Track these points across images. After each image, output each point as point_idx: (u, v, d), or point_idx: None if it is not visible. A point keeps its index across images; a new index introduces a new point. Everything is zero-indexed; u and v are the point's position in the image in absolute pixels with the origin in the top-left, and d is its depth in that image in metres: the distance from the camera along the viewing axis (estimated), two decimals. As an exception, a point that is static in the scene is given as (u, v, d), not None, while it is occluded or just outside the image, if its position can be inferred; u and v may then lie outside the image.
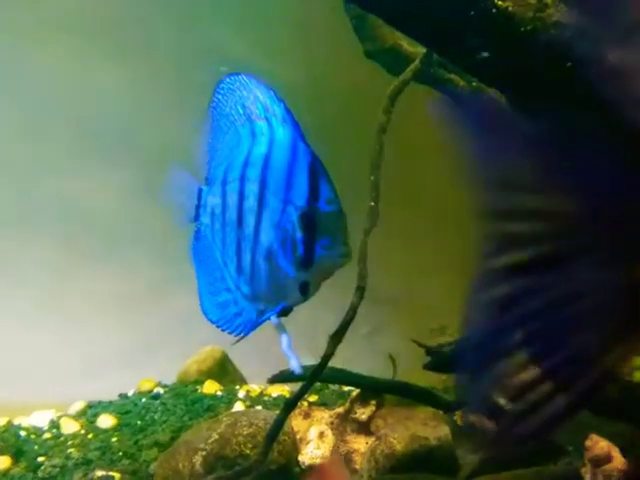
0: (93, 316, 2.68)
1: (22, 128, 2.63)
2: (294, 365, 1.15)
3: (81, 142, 2.68)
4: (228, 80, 1.11)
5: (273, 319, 1.08)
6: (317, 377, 1.67)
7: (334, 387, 2.64)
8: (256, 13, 2.77)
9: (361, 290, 1.74)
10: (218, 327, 1.12)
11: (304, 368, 1.93)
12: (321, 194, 1.00)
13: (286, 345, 1.11)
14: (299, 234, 0.98)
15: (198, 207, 1.13)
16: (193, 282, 2.27)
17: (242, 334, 1.08)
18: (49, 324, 2.63)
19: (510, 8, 1.21)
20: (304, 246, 0.98)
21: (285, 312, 1.08)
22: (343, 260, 1.00)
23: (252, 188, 1.04)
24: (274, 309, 1.06)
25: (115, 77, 2.69)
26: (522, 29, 1.21)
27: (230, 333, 1.10)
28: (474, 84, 2.06)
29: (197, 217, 1.14)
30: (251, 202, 1.04)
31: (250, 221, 1.04)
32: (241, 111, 1.10)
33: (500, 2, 1.21)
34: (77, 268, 2.69)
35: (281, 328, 1.10)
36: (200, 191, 1.14)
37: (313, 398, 2.48)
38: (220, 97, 1.12)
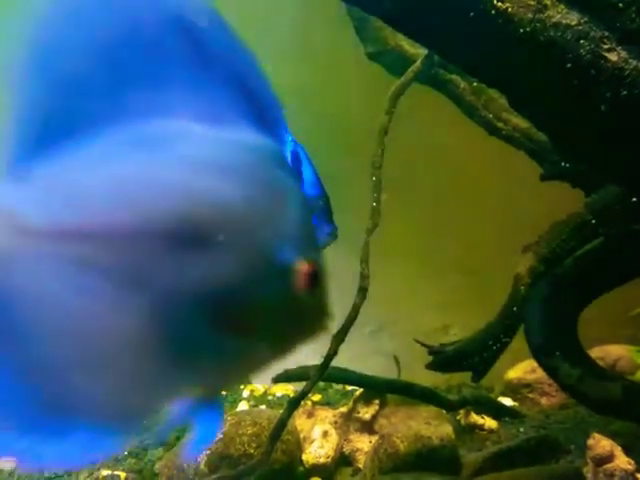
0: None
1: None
2: None
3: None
4: None
5: None
6: (320, 376, 1.69)
7: (338, 387, 2.65)
8: (256, 12, 2.79)
9: (363, 290, 1.75)
10: None
11: (307, 367, 1.95)
12: (305, 178, 1.03)
13: None
14: None
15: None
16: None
17: None
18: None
19: (509, 9, 1.21)
20: None
21: None
22: (330, 238, 1.02)
23: None
24: None
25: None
26: (521, 30, 1.22)
27: None
28: (474, 85, 2.07)
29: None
30: None
31: None
32: None
33: (499, 3, 1.21)
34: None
35: None
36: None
37: (317, 397, 2.49)
38: None
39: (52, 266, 0.52)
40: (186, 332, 0.54)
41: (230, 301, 0.54)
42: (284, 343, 0.62)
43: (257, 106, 0.57)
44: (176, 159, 0.53)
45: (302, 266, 0.57)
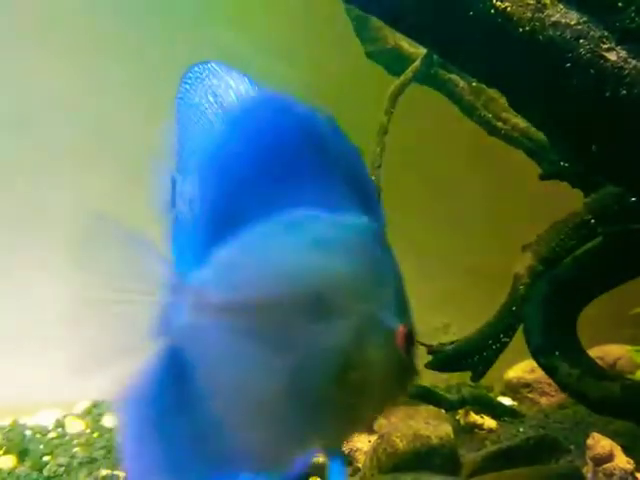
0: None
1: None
2: None
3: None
4: (196, 69, 1.12)
5: None
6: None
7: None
8: (258, 11, 2.79)
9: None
10: None
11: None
12: None
13: None
14: None
15: (173, 194, 1.15)
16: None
17: None
18: (53, 323, 2.65)
19: (509, 9, 1.22)
20: None
21: None
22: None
23: None
24: None
25: (112, 76, 2.70)
26: (521, 30, 1.22)
27: None
28: (474, 84, 2.07)
29: (173, 204, 1.16)
30: None
31: None
32: (212, 99, 1.11)
33: (499, 3, 1.22)
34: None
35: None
36: (174, 180, 1.16)
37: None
38: (188, 87, 1.13)
39: (224, 335, 0.63)
40: (315, 389, 0.63)
41: (348, 361, 0.64)
42: (389, 398, 0.71)
43: (363, 192, 0.70)
44: (311, 241, 0.67)
45: (402, 329, 0.67)
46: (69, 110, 2.66)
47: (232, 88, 1.10)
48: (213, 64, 1.11)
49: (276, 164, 0.69)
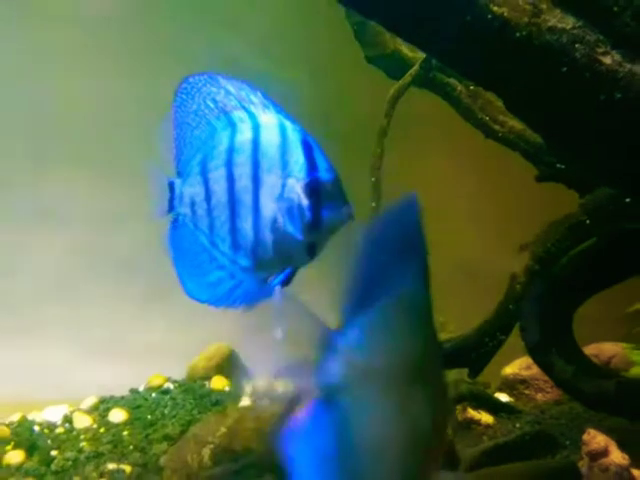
0: (105, 314, 2.73)
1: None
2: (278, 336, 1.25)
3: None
4: (191, 80, 1.18)
5: (276, 293, 1.15)
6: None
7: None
8: (258, 15, 2.81)
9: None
10: (209, 305, 1.18)
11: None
12: (319, 165, 1.10)
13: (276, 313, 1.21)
14: (305, 202, 1.09)
15: (172, 199, 1.19)
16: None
17: (240, 304, 1.17)
18: (61, 321, 2.67)
19: (505, 14, 1.24)
20: (311, 212, 1.09)
21: (287, 281, 1.16)
22: (349, 218, 1.11)
23: (243, 171, 1.12)
24: (283, 274, 1.14)
25: (117, 81, 2.73)
26: (518, 34, 1.25)
27: (226, 307, 1.18)
28: (471, 88, 2.11)
29: (171, 209, 1.20)
30: (244, 183, 1.12)
31: (246, 200, 1.12)
32: (212, 105, 1.17)
33: (495, 8, 1.24)
34: (85, 268, 2.74)
35: (280, 312, 1.19)
36: (172, 184, 1.20)
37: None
38: (184, 96, 1.19)
39: (368, 392, 0.75)
40: (419, 440, 0.77)
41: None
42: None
43: (424, 267, 0.86)
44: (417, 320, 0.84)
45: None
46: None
47: (232, 94, 1.15)
48: (207, 75, 1.16)
49: (401, 251, 0.87)
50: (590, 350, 2.35)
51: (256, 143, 1.12)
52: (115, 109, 2.71)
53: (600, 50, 1.25)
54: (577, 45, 1.25)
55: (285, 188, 1.10)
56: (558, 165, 1.98)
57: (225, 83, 1.17)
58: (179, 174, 1.21)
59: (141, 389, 2.60)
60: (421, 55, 2.13)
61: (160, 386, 2.57)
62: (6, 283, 2.65)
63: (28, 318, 2.63)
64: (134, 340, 2.73)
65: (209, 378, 2.62)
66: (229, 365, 2.71)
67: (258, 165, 1.12)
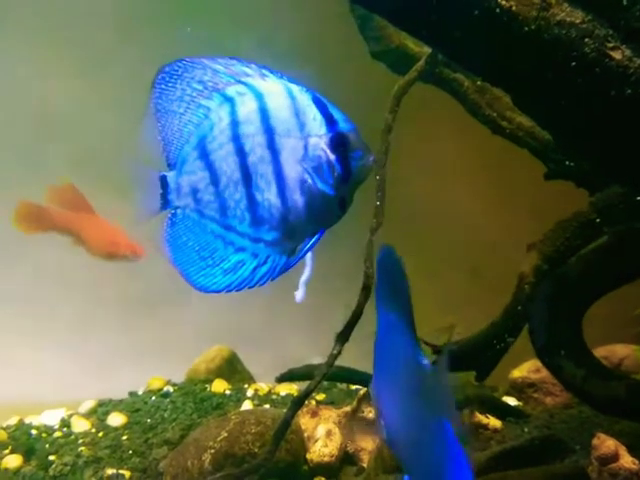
0: (103, 316, 2.71)
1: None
2: (299, 297, 1.30)
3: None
4: (167, 69, 1.13)
5: (308, 259, 1.16)
6: (324, 376, 1.68)
7: (342, 386, 2.65)
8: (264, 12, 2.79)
9: (367, 289, 1.75)
10: (231, 291, 1.14)
11: (312, 367, 1.95)
12: (337, 119, 1.09)
13: (306, 277, 1.24)
14: (332, 156, 1.07)
15: (166, 194, 1.15)
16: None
17: (269, 280, 1.13)
18: (60, 324, 2.66)
19: (514, 8, 1.21)
20: (341, 165, 1.08)
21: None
22: (373, 164, 1.11)
23: (256, 141, 1.09)
24: (314, 238, 1.12)
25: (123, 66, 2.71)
26: (526, 28, 1.21)
27: (251, 288, 1.14)
28: (479, 83, 2.07)
29: (166, 205, 1.16)
30: (259, 153, 1.09)
31: (265, 170, 1.09)
32: (200, 87, 1.13)
33: (504, 2, 1.21)
34: (85, 270, 2.72)
35: (309, 259, 1.21)
36: (164, 178, 1.15)
37: (321, 397, 2.50)
38: (164, 85, 1.14)
39: None
40: None
41: None
42: None
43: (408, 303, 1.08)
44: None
45: None
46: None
47: (221, 72, 1.11)
48: (186, 60, 1.12)
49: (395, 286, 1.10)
50: (601, 352, 2.31)
51: (264, 110, 1.09)
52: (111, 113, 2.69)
53: (610, 45, 1.22)
54: (586, 39, 1.21)
55: (308, 147, 1.08)
56: (567, 162, 1.94)
57: (210, 63, 1.13)
58: (171, 166, 1.17)
59: (140, 392, 2.58)
60: (427, 50, 2.09)
61: (160, 389, 2.55)
62: (6, 281, 2.64)
63: (26, 320, 2.61)
64: (133, 342, 2.72)
65: (210, 381, 2.60)
66: (230, 368, 2.69)
67: (272, 132, 1.09)
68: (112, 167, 1.17)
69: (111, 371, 2.61)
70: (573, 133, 1.37)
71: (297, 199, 1.09)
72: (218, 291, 1.14)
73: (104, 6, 2.71)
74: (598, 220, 1.78)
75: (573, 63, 1.22)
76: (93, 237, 2.21)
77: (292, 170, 1.09)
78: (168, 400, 2.43)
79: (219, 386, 2.57)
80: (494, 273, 2.68)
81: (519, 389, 2.48)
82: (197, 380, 2.62)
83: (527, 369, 2.47)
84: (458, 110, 2.20)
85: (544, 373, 2.26)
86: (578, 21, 1.22)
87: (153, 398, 2.47)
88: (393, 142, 2.14)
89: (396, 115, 2.09)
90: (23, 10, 2.67)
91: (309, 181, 1.08)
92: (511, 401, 2.43)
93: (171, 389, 2.56)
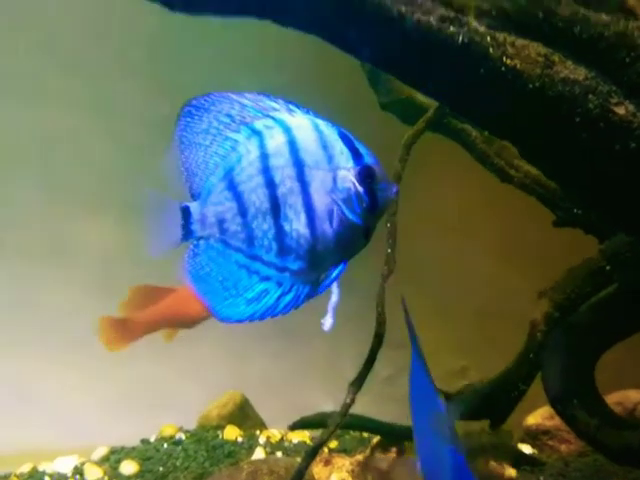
0: (116, 362, 2.72)
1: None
2: (327, 325, 1.29)
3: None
4: (195, 103, 1.17)
5: (334, 288, 1.20)
6: (338, 426, 1.68)
7: (354, 433, 2.63)
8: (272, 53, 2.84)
9: (380, 336, 1.76)
10: (254, 320, 1.16)
11: (324, 414, 1.94)
12: (362, 153, 1.14)
13: (334, 302, 1.26)
14: (361, 188, 1.12)
15: (188, 225, 1.17)
16: (211, 327, 2.31)
17: (292, 308, 1.16)
18: (72, 370, 2.66)
19: (518, 66, 1.25)
20: (368, 196, 1.12)
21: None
22: (396, 195, 1.17)
23: (285, 173, 1.13)
24: (339, 268, 1.15)
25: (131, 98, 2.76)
26: (531, 86, 1.25)
27: (274, 316, 1.16)
28: (486, 133, 2.11)
29: (189, 235, 1.17)
30: (289, 185, 1.12)
31: (294, 201, 1.12)
32: (227, 120, 1.16)
33: (508, 60, 1.25)
34: (95, 310, 2.74)
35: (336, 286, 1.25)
36: (187, 209, 1.18)
37: (333, 444, 2.48)
38: (189, 118, 1.18)
39: None
40: None
41: None
42: None
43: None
44: None
45: None
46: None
47: (249, 106, 1.15)
48: (215, 94, 1.16)
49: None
50: (614, 398, 2.29)
51: (293, 143, 1.13)
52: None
53: (613, 100, 1.25)
54: (590, 96, 1.25)
55: (337, 180, 1.12)
56: (575, 210, 1.96)
57: (238, 97, 1.17)
58: (195, 197, 1.19)
59: (152, 439, 2.57)
60: (435, 101, 2.14)
61: (172, 436, 2.54)
62: (16, 322, 2.65)
63: (39, 365, 2.62)
64: (146, 387, 2.71)
65: (222, 427, 2.59)
66: (242, 414, 2.68)
67: (302, 164, 1.12)
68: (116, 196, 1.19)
69: (124, 417, 2.60)
70: (578, 185, 1.40)
71: (326, 229, 1.13)
72: (241, 321, 1.16)
73: (106, 37, 2.76)
74: (608, 267, 1.79)
75: (577, 118, 1.24)
76: (181, 319, 2.25)
77: (321, 201, 1.13)
78: (180, 448, 2.42)
79: (231, 433, 2.56)
80: (505, 319, 2.68)
81: (533, 436, 2.45)
82: (209, 426, 2.62)
83: (541, 415, 2.45)
84: (466, 158, 2.24)
85: (558, 420, 2.23)
86: (581, 78, 1.25)
87: (165, 445, 2.46)
88: (402, 190, 2.18)
89: (406, 164, 2.13)
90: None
91: (338, 212, 1.13)
92: (525, 448, 2.40)
93: (183, 436, 2.55)
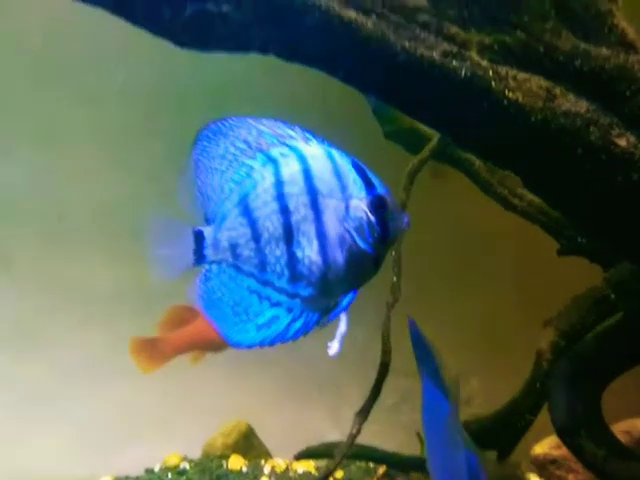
0: (120, 391, 2.71)
1: None
2: (333, 350, 1.36)
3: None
4: (212, 127, 1.19)
5: (343, 317, 1.21)
6: (344, 457, 1.67)
7: (360, 463, 2.60)
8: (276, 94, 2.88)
9: (385, 365, 1.76)
10: (264, 346, 1.16)
11: (330, 444, 1.93)
12: (374, 183, 1.15)
13: (342, 331, 1.28)
14: (373, 217, 1.13)
15: (201, 249, 1.18)
16: (215, 355, 2.30)
17: (302, 335, 1.16)
18: (74, 398, 2.65)
19: (520, 99, 1.26)
20: (380, 226, 1.14)
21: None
22: (407, 224, 1.17)
23: (300, 201, 1.14)
24: (349, 296, 1.16)
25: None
26: (533, 119, 1.26)
27: (284, 342, 1.16)
28: (489, 163, 2.12)
29: (201, 260, 1.18)
30: (303, 212, 1.14)
31: (307, 228, 1.14)
32: (243, 146, 1.18)
33: (510, 93, 1.27)
34: (102, 343, 2.74)
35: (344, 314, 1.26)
36: (200, 233, 1.18)
37: (339, 475, 2.45)
38: (206, 143, 1.19)
39: None
40: None
41: None
42: None
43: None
44: None
45: None
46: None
47: (266, 133, 1.16)
48: (232, 119, 1.18)
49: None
50: (622, 426, 2.27)
51: (307, 172, 1.14)
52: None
53: (615, 132, 1.26)
54: (592, 128, 1.26)
55: (350, 209, 1.14)
56: (579, 239, 1.97)
57: (255, 124, 1.18)
58: (209, 221, 1.20)
59: (157, 469, 2.55)
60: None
61: (176, 466, 2.53)
62: (19, 347, 2.65)
63: (40, 396, 2.62)
64: (150, 416, 2.70)
65: (226, 456, 2.57)
66: (247, 443, 2.66)
67: (316, 192, 1.14)
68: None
69: (128, 447, 2.59)
70: (581, 215, 1.41)
71: (337, 256, 1.14)
72: (252, 346, 1.16)
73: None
74: (612, 296, 1.79)
75: (579, 150, 1.26)
76: (211, 342, 2.24)
77: (334, 229, 1.14)
78: (184, 478, 2.40)
79: (236, 462, 2.54)
80: (514, 344, 2.67)
81: (541, 465, 2.42)
82: (213, 456, 2.59)
83: (548, 445, 2.42)
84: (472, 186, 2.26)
85: (566, 449, 2.21)
86: (583, 110, 1.27)
87: (169, 475, 2.44)
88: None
89: (410, 192, 2.15)
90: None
91: (350, 240, 1.14)
92: (533, 479, 2.37)
93: (187, 466, 2.53)
